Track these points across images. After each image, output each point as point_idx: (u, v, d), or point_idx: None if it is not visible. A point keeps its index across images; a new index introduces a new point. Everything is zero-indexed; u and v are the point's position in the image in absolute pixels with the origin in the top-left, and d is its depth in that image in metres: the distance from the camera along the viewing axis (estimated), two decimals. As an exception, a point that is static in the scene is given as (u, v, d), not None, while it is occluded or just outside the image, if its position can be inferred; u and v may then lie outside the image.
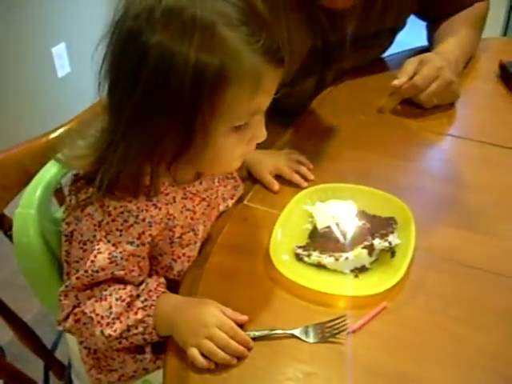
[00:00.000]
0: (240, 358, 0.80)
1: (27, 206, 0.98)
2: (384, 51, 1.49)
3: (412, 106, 1.31)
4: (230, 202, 1.05)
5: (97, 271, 0.84)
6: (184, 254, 0.93)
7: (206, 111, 0.76)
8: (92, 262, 0.83)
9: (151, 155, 0.81)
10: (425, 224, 0.98)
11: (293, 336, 0.82)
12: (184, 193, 0.91)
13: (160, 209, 0.87)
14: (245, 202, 1.06)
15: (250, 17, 0.78)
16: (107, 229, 0.84)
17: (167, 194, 0.89)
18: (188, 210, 0.92)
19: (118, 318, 0.84)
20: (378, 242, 0.90)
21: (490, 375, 0.78)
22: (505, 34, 2.95)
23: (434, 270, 0.93)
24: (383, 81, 1.37)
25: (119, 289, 0.86)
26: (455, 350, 0.81)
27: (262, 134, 0.87)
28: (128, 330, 0.84)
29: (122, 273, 0.85)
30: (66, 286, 0.86)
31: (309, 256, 0.92)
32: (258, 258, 0.94)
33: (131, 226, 0.85)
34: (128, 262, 0.85)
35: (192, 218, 0.92)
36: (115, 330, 0.83)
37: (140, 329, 0.84)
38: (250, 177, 1.12)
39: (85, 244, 0.85)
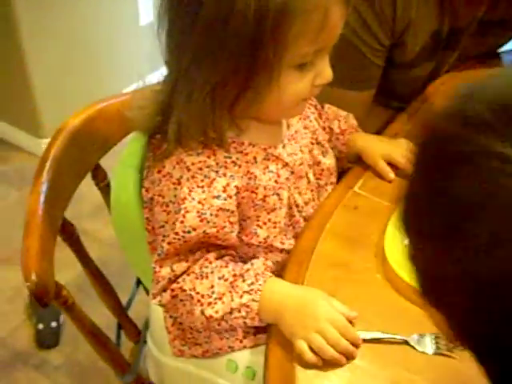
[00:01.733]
0: (349, 357, 0.75)
1: (129, 164, 0.93)
2: (505, 43, 1.40)
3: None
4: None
5: (188, 232, 0.79)
6: (270, 220, 0.87)
7: (270, 48, 0.72)
8: (181, 222, 0.79)
9: (213, 94, 0.76)
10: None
11: (405, 343, 0.77)
12: (266, 154, 0.86)
13: (240, 166, 0.82)
14: (355, 188, 1.00)
15: None
16: (189, 185, 0.79)
17: (247, 154, 0.84)
18: (271, 171, 0.86)
19: (220, 299, 0.79)
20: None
21: None
22: None
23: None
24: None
25: (221, 267, 0.81)
26: None
27: (326, 74, 0.80)
28: (230, 313, 0.79)
29: (213, 230, 0.80)
30: (159, 255, 0.82)
31: (427, 258, 0.85)
32: (369, 252, 0.88)
33: (214, 180, 0.80)
34: (218, 218, 0.80)
35: (276, 182, 0.86)
36: (217, 312, 0.79)
37: (243, 313, 0.79)
38: (359, 162, 1.05)
39: (167, 206, 0.81)
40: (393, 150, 1.04)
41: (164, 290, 0.83)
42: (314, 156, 0.96)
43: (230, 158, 0.82)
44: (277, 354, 0.76)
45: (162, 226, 0.82)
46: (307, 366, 0.74)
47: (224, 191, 0.80)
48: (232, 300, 0.79)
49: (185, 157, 0.80)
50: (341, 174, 1.05)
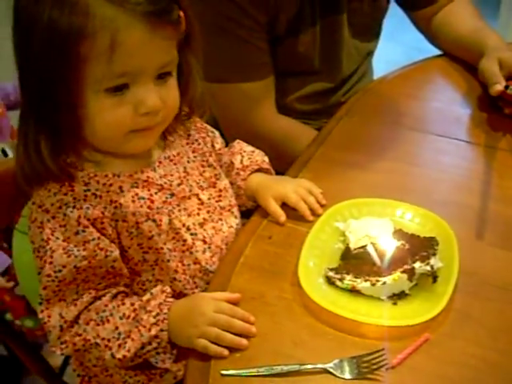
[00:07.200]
0: (248, 336, 0.78)
1: (25, 225, 0.89)
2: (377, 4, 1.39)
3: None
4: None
5: (59, 270, 0.79)
6: (152, 247, 0.85)
7: (65, 72, 0.74)
8: (50, 263, 0.79)
9: (40, 127, 0.77)
10: (466, 244, 0.90)
11: (325, 371, 0.74)
12: (134, 181, 0.84)
13: (101, 197, 0.81)
14: (269, 218, 0.97)
15: None
16: (50, 226, 0.80)
17: (111, 185, 0.83)
18: (142, 198, 0.84)
19: (128, 337, 0.79)
20: (418, 266, 0.82)
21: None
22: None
23: (480, 296, 0.84)
24: (410, 88, 1.35)
25: (118, 306, 0.81)
26: (507, 389, 0.73)
27: (146, 101, 0.77)
28: (142, 348, 0.79)
29: (85, 263, 0.79)
30: (40, 303, 0.81)
31: (341, 280, 0.83)
32: (284, 282, 0.86)
33: (69, 216, 0.79)
34: (86, 251, 0.79)
35: (150, 208, 0.84)
36: (129, 350, 0.79)
37: (154, 344, 0.79)
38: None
39: (39, 251, 0.81)
40: (285, 187, 0.98)
41: (62, 342, 0.81)
42: (207, 178, 0.94)
43: (90, 190, 0.81)
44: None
45: (39, 273, 0.81)
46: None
47: (79, 224, 0.80)
48: (141, 335, 0.79)
49: (44, 199, 0.80)
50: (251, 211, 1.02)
